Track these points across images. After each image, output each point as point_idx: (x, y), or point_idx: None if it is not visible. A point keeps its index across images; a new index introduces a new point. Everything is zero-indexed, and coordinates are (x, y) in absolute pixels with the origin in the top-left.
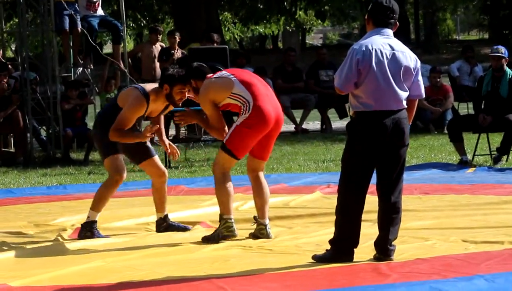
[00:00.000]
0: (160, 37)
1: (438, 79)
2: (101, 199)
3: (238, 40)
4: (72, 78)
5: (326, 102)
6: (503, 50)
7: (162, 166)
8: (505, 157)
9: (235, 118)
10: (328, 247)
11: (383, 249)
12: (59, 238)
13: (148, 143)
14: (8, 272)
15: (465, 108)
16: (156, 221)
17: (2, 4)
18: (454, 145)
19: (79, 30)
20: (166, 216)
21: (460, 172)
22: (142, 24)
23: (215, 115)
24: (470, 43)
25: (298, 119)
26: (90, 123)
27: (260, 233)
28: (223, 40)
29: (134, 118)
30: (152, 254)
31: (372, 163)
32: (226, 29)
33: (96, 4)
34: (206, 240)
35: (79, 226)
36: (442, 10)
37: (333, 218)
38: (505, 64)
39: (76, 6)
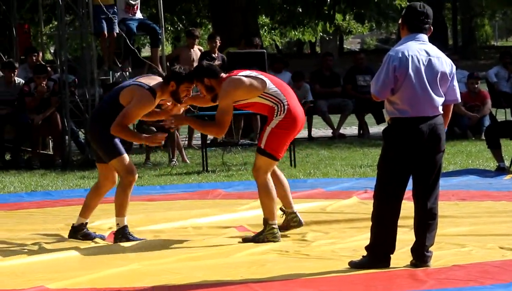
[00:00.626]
0: (197, 40)
1: (476, 85)
2: (123, 204)
3: (276, 45)
4: (111, 81)
5: (364, 107)
6: None
7: (114, 173)
8: None
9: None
10: (365, 252)
11: (420, 255)
12: (96, 241)
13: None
14: (45, 274)
15: (503, 115)
16: (76, 226)
17: (42, 7)
18: (492, 151)
19: (116, 33)
20: (87, 223)
21: (497, 179)
22: (179, 28)
23: (229, 111)
24: (508, 49)
25: (335, 124)
26: None
27: (293, 221)
28: (261, 45)
29: (140, 115)
30: (188, 258)
31: (408, 169)
32: (266, 33)
33: (135, 7)
34: (248, 241)
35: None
36: (480, 15)
37: (370, 223)
38: None
39: (115, 9)
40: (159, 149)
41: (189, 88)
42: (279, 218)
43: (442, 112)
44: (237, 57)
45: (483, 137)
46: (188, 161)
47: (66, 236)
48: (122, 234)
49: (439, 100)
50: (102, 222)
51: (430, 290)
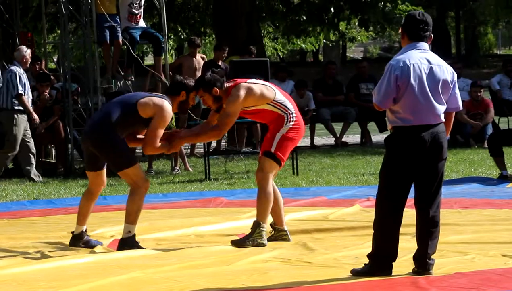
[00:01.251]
0: (198, 49)
1: (479, 94)
2: (138, 210)
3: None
4: (114, 90)
5: (366, 115)
6: None
7: (105, 178)
8: None
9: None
10: (367, 260)
11: (422, 263)
12: (98, 248)
13: None
14: (48, 282)
15: (506, 123)
16: (76, 235)
17: (45, 15)
18: (494, 159)
19: (120, 42)
20: (86, 230)
21: (500, 187)
22: (183, 37)
23: (235, 116)
24: (511, 58)
25: (338, 133)
26: None
27: (282, 239)
28: (264, 53)
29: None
30: (190, 266)
31: (410, 177)
32: (269, 41)
33: (138, 15)
34: (237, 243)
35: (118, 237)
36: (483, 24)
37: (372, 231)
38: None
39: (117, 18)
40: (161, 157)
41: (194, 97)
42: (267, 233)
43: (444, 120)
44: (240, 66)
45: (486, 145)
46: (190, 169)
47: (68, 244)
48: (132, 243)
49: (441, 109)
50: (105, 229)
51: None
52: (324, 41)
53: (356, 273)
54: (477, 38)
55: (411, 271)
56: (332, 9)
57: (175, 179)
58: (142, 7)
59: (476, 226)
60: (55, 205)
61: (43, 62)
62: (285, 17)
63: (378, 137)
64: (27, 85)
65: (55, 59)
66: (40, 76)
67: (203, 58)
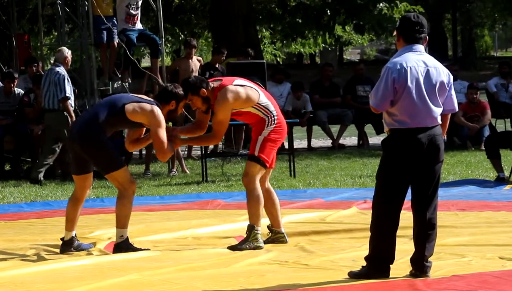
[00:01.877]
0: (194, 50)
1: (476, 96)
2: (128, 215)
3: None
4: (111, 92)
5: (363, 117)
6: None
7: (91, 181)
8: None
9: None
10: (364, 263)
11: (419, 266)
12: (95, 251)
13: None
14: (45, 284)
15: (503, 125)
16: (66, 241)
17: (42, 17)
18: (491, 162)
19: (116, 44)
20: (76, 235)
21: (497, 189)
22: (180, 39)
23: (227, 121)
24: (507, 60)
25: (335, 135)
26: None
27: (278, 240)
28: (261, 55)
29: None
30: (188, 268)
31: (407, 179)
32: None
33: (136, 17)
34: (234, 248)
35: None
36: (480, 26)
37: (369, 233)
38: None
39: (114, 20)
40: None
41: (183, 107)
42: (264, 235)
43: (440, 122)
44: (237, 68)
45: (483, 147)
46: (187, 171)
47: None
48: (126, 246)
49: (438, 111)
50: (103, 231)
51: None
52: (323, 45)
53: (353, 276)
54: (474, 40)
55: (408, 273)
56: (328, 12)
57: (172, 181)
58: (140, 9)
59: (473, 228)
60: (52, 207)
61: (40, 64)
62: (281, 20)
63: (375, 139)
64: (72, 88)
65: (52, 61)
66: (37, 78)
67: (199, 61)
